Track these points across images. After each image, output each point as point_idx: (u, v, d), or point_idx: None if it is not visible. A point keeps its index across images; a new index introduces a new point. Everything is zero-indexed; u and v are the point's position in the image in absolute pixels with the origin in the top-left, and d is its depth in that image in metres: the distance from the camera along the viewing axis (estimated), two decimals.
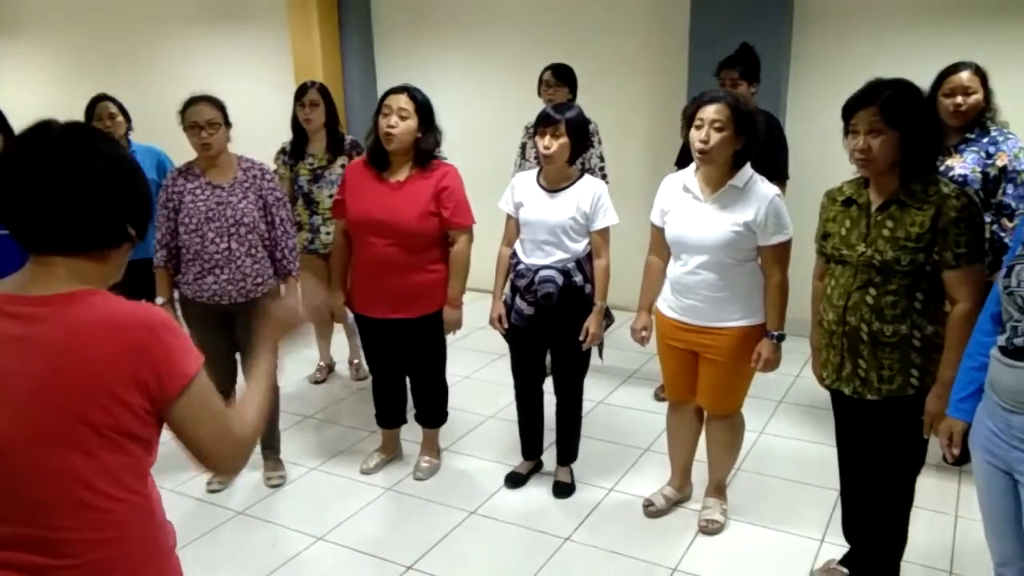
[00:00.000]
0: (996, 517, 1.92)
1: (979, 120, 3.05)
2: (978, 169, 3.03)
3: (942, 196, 2.07)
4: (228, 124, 3.10)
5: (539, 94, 4.25)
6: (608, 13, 5.27)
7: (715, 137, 2.55)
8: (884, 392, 2.22)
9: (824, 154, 4.59)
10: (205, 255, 3.06)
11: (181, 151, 4.26)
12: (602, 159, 4.19)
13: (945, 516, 3.01)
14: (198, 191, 3.08)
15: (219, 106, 3.07)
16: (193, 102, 3.05)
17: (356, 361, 4.54)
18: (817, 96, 4.69)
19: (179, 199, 3.08)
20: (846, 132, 2.16)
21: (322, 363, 4.56)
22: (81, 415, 1.19)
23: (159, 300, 3.21)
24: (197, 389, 1.26)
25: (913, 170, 2.10)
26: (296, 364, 4.58)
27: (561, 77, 4.19)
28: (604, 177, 4.18)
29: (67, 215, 1.23)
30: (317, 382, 4.50)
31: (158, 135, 4.32)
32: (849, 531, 2.61)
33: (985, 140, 3.04)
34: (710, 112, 2.56)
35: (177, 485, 3.34)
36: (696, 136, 2.59)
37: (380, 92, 6.15)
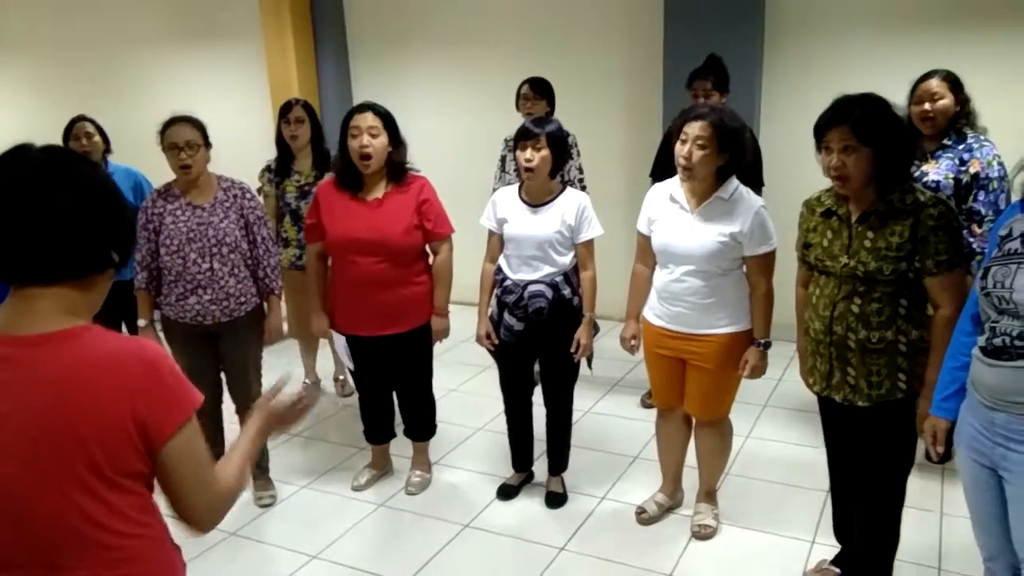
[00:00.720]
0: (983, 512, 1.97)
1: (954, 126, 3.13)
2: (951, 175, 3.10)
3: (919, 205, 2.13)
4: (208, 145, 3.09)
5: (517, 108, 4.29)
6: (582, 27, 5.33)
7: (697, 154, 2.60)
8: (874, 398, 2.27)
9: (798, 161, 4.65)
10: (187, 276, 3.05)
11: (158, 171, 4.24)
12: (581, 171, 4.24)
13: (931, 514, 3.07)
14: (179, 212, 3.07)
15: (199, 127, 3.06)
16: (172, 123, 3.04)
17: (341, 377, 4.53)
18: (789, 105, 4.79)
19: (159, 220, 3.07)
20: (819, 148, 2.20)
21: (307, 380, 4.54)
22: (84, 458, 1.17)
23: (141, 322, 3.20)
24: (190, 432, 1.24)
25: (888, 182, 2.15)
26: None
27: (539, 90, 4.24)
28: (583, 188, 4.23)
29: (50, 242, 1.19)
30: None
31: (134, 155, 4.29)
32: (840, 532, 2.65)
33: (961, 147, 3.12)
34: (695, 129, 2.61)
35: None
36: (679, 151, 2.64)
37: None
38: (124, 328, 4.36)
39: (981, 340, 1.83)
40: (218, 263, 3.05)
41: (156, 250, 3.07)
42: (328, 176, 4.02)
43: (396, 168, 3.09)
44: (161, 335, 3.22)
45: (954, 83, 3.19)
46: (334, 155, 4.09)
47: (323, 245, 3.19)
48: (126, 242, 1.32)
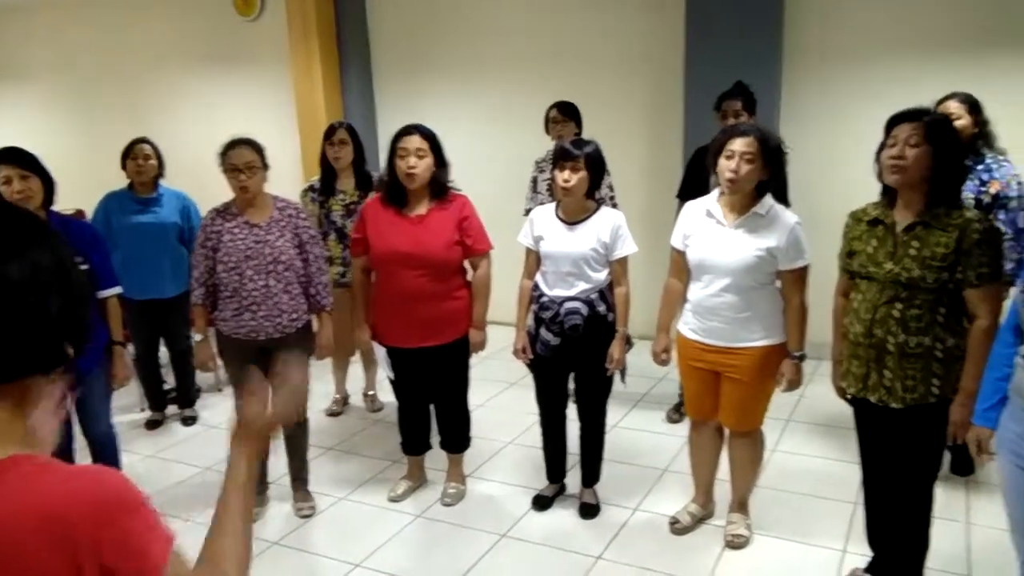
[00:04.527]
0: (1022, 514, 2.06)
1: (972, 147, 3.25)
2: (972, 196, 3.22)
3: (966, 220, 2.26)
4: (266, 167, 3.22)
5: (546, 131, 4.41)
6: (604, 51, 5.47)
7: (745, 168, 2.70)
8: (908, 401, 2.38)
9: (817, 184, 4.82)
10: (243, 292, 3.16)
11: (189, 191, 4.38)
12: (612, 188, 4.36)
13: (957, 524, 3.15)
14: (236, 230, 3.18)
15: (258, 149, 3.20)
16: (233, 145, 3.17)
17: (371, 392, 4.61)
18: (808, 130, 4.91)
19: (218, 238, 3.18)
20: (882, 146, 2.35)
21: (338, 395, 4.62)
22: None
23: (197, 337, 3.31)
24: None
25: (939, 192, 2.28)
26: (311, 397, 4.65)
27: (567, 113, 4.37)
28: (615, 205, 4.34)
29: None
30: (333, 414, 4.57)
31: (167, 176, 4.42)
32: (874, 538, 2.73)
33: (980, 167, 3.24)
34: (741, 144, 2.70)
35: (208, 518, 3.39)
36: (727, 166, 2.72)
37: (380, 130, 6.36)
38: (163, 345, 4.49)
39: (1023, 349, 1.92)
40: (273, 280, 3.16)
41: (213, 267, 3.18)
42: (373, 195, 4.19)
43: (438, 186, 3.22)
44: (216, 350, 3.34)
45: (972, 105, 3.32)
46: (377, 175, 4.26)
47: (367, 259, 3.31)
48: (82, 327, 0.98)
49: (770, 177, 2.76)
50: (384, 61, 6.31)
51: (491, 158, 5.91)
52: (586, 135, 4.50)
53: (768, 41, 4.79)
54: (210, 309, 3.27)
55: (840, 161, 4.67)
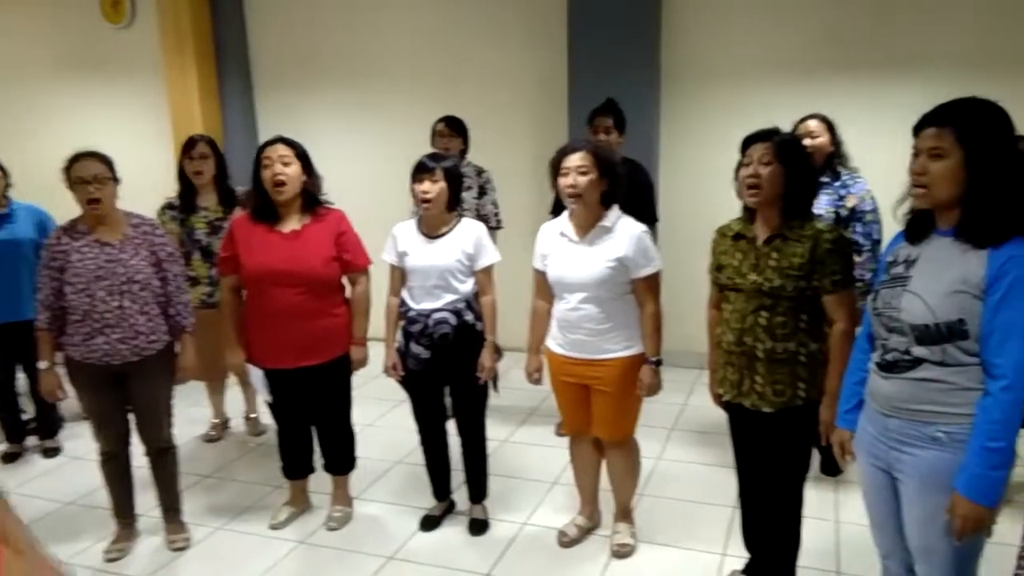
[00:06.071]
0: (879, 513, 2.17)
1: (830, 165, 3.46)
2: (832, 210, 3.42)
3: (817, 231, 2.39)
4: (116, 179, 3.02)
5: (432, 144, 4.39)
6: (489, 68, 5.51)
7: (582, 181, 2.77)
8: (777, 404, 2.48)
9: (695, 199, 5.02)
10: (95, 315, 2.95)
11: (50, 209, 4.09)
12: (496, 205, 4.37)
13: (827, 522, 3.30)
14: (86, 249, 2.97)
15: (106, 161, 3.00)
16: (79, 158, 2.96)
17: (253, 415, 4.43)
18: (686, 145, 5.11)
19: (65, 258, 2.96)
20: (739, 166, 2.46)
21: (216, 420, 4.42)
22: None
23: (42, 365, 3.06)
24: None
25: (793, 206, 2.41)
26: (187, 424, 4.41)
27: (454, 128, 4.36)
28: (499, 222, 4.36)
29: None
30: (211, 440, 4.36)
31: (25, 192, 4.14)
32: (749, 540, 2.83)
33: (837, 183, 3.45)
34: (575, 159, 2.79)
35: (72, 555, 3.16)
36: (565, 182, 2.80)
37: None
38: (21, 371, 4.16)
39: (876, 356, 2.03)
40: (128, 301, 2.97)
41: (60, 289, 2.96)
42: (239, 211, 4.00)
43: (310, 198, 3.14)
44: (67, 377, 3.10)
45: (829, 124, 3.53)
46: (240, 190, 4.08)
47: (237, 278, 3.18)
48: None
49: (608, 188, 2.83)
50: (265, 71, 6.13)
51: (376, 172, 5.84)
52: (473, 151, 4.53)
53: (645, 62, 4.94)
54: (57, 333, 3.04)
55: (716, 177, 4.83)
